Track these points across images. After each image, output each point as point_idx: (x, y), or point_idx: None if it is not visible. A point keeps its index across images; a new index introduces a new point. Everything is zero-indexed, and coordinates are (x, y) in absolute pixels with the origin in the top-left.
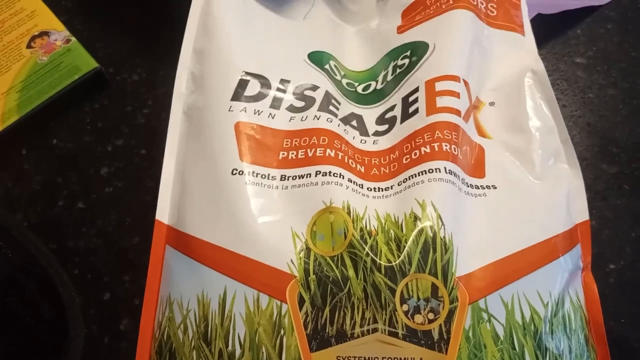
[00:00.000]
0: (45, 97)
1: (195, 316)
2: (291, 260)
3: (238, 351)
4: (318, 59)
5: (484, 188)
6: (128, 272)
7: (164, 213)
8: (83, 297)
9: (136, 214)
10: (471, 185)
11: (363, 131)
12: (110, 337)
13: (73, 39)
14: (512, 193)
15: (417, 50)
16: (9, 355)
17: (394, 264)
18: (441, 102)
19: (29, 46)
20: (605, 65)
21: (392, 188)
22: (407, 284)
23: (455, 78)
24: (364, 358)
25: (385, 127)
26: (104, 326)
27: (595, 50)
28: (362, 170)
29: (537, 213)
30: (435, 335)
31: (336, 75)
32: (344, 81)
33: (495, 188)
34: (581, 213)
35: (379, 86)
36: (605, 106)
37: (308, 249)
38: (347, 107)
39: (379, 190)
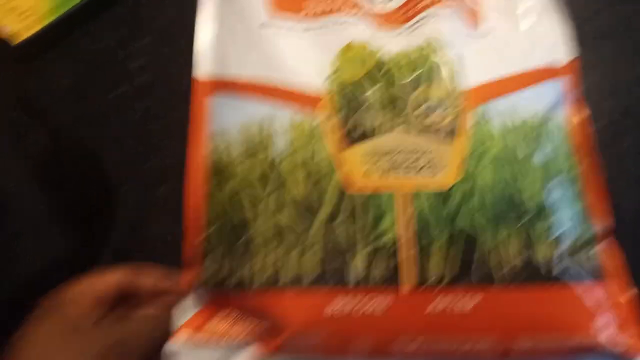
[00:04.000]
0: (75, 2)
1: (239, 139)
2: (320, 87)
3: (280, 157)
4: None
5: (480, 36)
6: (160, 149)
7: (202, 70)
8: (122, 172)
9: (164, 101)
10: (470, 34)
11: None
12: (150, 200)
13: None
14: (503, 39)
15: None
16: (61, 225)
17: (407, 80)
18: None
19: None
20: None
21: (402, 33)
22: (418, 95)
23: None
24: (386, 151)
25: None
26: (143, 192)
27: None
28: (375, 24)
29: (525, 52)
30: (444, 132)
31: None
32: None
33: (489, 35)
34: (567, 55)
35: None
36: None
37: (334, 78)
38: None
39: (390, 36)
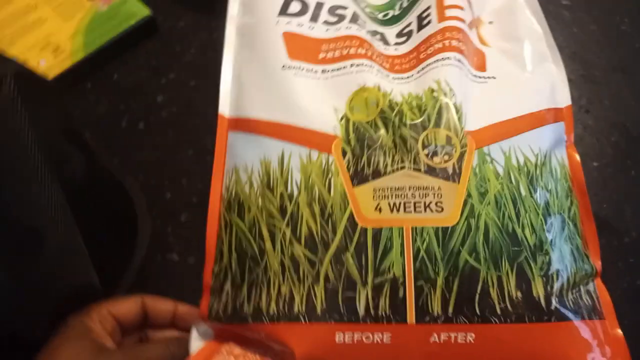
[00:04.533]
0: (106, 39)
1: (258, 174)
2: (334, 126)
3: (296, 192)
4: None
5: (486, 78)
6: (184, 177)
7: (225, 108)
8: (148, 198)
9: (189, 132)
10: (475, 76)
11: (385, 43)
12: (173, 227)
13: None
14: (508, 82)
15: None
16: (91, 248)
17: (416, 121)
18: (449, 13)
19: None
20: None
21: (412, 76)
22: (427, 135)
23: None
24: (395, 188)
25: (404, 38)
26: (166, 219)
27: None
28: (388, 66)
29: (528, 96)
30: (450, 171)
31: (360, 4)
32: (367, 10)
33: (495, 78)
34: (565, 99)
35: (397, 13)
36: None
37: (347, 118)
38: (371, 25)
39: (402, 79)
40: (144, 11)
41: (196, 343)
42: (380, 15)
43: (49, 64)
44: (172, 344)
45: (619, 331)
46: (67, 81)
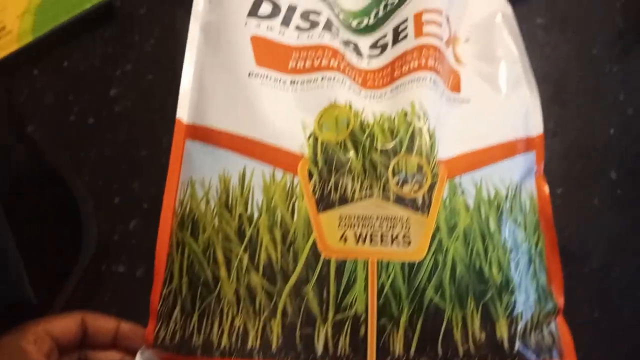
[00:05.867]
0: (58, 22)
1: (216, 190)
2: (302, 144)
3: (256, 214)
4: None
5: (461, 101)
6: (136, 179)
7: (183, 113)
8: (95, 201)
9: (143, 130)
10: (450, 98)
11: (358, 54)
12: (120, 235)
13: None
14: (482, 106)
15: None
16: (29, 253)
17: (388, 146)
18: (427, 29)
19: None
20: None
21: (385, 95)
22: (397, 162)
23: (439, 11)
24: (362, 217)
25: (378, 51)
26: (114, 226)
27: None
28: (360, 82)
29: (502, 122)
30: (419, 201)
31: (334, 10)
32: (341, 16)
33: (469, 102)
34: (537, 127)
35: (371, 22)
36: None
37: (316, 136)
38: (345, 33)
39: (374, 97)
40: None
41: None
42: (354, 23)
43: None
44: None
45: None
46: (12, 65)
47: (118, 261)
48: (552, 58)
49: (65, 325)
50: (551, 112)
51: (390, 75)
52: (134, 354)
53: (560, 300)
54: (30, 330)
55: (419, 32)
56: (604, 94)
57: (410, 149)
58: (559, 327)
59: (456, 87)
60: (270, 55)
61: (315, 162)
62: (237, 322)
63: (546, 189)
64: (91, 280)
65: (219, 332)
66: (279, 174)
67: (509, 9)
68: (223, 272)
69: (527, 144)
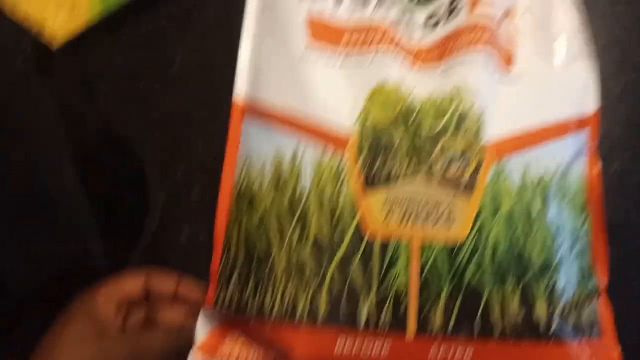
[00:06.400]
0: None
1: (270, 168)
2: (352, 124)
3: (306, 192)
4: None
5: (513, 78)
6: (200, 138)
7: (241, 90)
8: (161, 160)
9: (207, 90)
10: (502, 75)
11: (412, 29)
12: (185, 203)
13: None
14: (536, 82)
15: None
16: (100, 218)
17: (435, 128)
18: (481, 6)
19: None
20: None
21: (436, 74)
22: (444, 144)
23: None
24: (407, 197)
25: (432, 26)
26: (179, 190)
27: None
28: (411, 59)
29: (556, 99)
30: (464, 184)
31: None
32: None
33: (523, 78)
34: (593, 103)
35: None
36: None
37: (366, 116)
38: (401, 5)
39: (425, 76)
40: None
41: (203, 328)
42: None
43: (65, 20)
44: (173, 333)
45: (618, 351)
46: (84, 36)
47: (182, 227)
48: (620, 23)
49: (131, 283)
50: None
51: (442, 53)
52: (194, 308)
53: (604, 280)
54: (101, 289)
55: (473, 8)
56: None
57: (457, 131)
58: (601, 306)
59: (510, 64)
60: (324, 33)
61: (364, 142)
62: (288, 291)
63: (598, 167)
64: (157, 243)
65: (272, 299)
66: (328, 153)
67: None
68: (276, 244)
69: (581, 122)
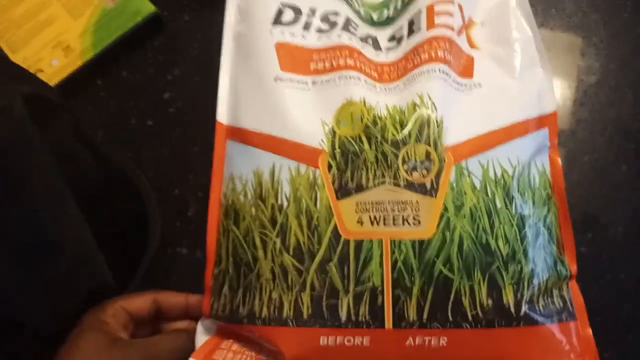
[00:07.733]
0: (114, 37)
1: (252, 184)
2: (322, 140)
3: (285, 204)
4: None
5: (472, 86)
6: (191, 173)
7: (222, 116)
8: (157, 194)
9: (195, 128)
10: (461, 84)
11: (377, 48)
12: (181, 222)
13: None
14: (494, 90)
15: None
16: (102, 241)
17: (397, 138)
18: (439, 20)
19: None
20: None
21: (398, 87)
22: (407, 151)
23: (450, 1)
24: (375, 202)
25: (395, 44)
26: (175, 214)
27: None
28: (376, 75)
29: (513, 104)
30: (428, 186)
31: (354, 5)
32: (362, 10)
33: (481, 86)
34: (550, 105)
35: (390, 14)
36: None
37: (334, 132)
38: (364, 29)
39: (388, 90)
40: (150, 7)
41: (201, 337)
42: (375, 16)
43: (60, 63)
44: (181, 337)
45: (589, 330)
46: (78, 79)
47: (181, 244)
48: (582, 25)
49: (139, 302)
50: (580, 83)
51: (403, 68)
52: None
53: (572, 267)
54: (109, 306)
55: (430, 24)
56: (635, 61)
57: (418, 139)
58: (572, 291)
59: (468, 72)
60: (293, 59)
61: (334, 156)
62: (274, 295)
63: (559, 161)
64: (159, 262)
65: (260, 304)
66: (302, 167)
67: None
68: (260, 253)
69: (539, 122)
